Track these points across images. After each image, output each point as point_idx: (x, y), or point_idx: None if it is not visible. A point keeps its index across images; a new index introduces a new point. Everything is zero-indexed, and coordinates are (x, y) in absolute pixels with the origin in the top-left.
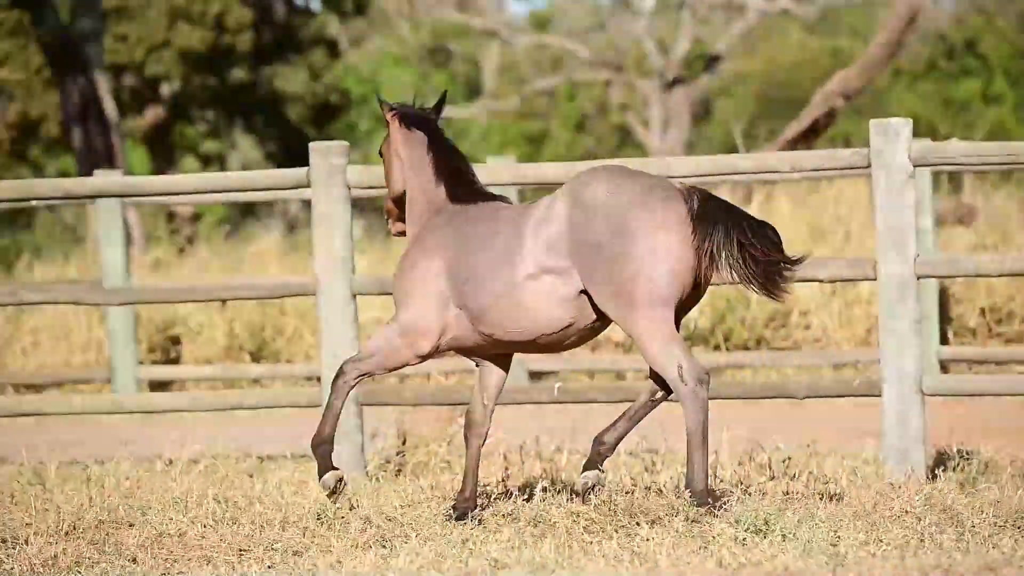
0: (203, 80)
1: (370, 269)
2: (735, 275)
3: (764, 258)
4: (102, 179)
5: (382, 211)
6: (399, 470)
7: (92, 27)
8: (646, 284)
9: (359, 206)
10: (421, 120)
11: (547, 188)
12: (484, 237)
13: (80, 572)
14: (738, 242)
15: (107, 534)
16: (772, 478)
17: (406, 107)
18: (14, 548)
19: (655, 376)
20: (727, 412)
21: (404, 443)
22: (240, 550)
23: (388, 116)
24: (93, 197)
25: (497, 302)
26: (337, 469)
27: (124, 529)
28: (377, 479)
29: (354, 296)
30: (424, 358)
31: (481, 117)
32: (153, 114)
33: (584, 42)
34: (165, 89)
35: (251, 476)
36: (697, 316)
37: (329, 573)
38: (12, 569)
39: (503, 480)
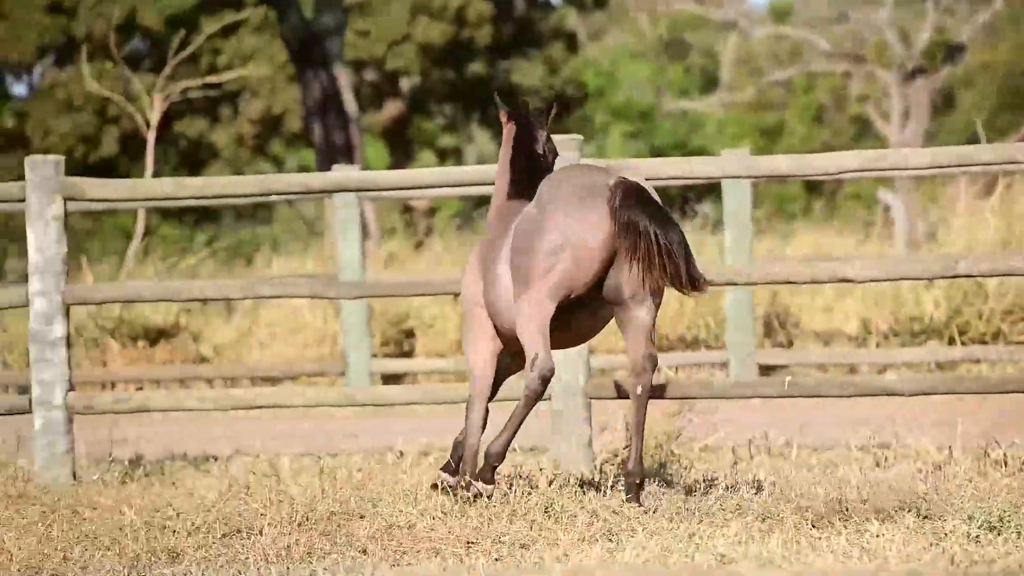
0: (441, 74)
1: None
2: (647, 272)
3: (667, 260)
4: (340, 174)
5: None
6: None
7: (334, 22)
8: (537, 273)
9: None
10: (511, 118)
11: (780, 181)
12: (495, 234)
13: (312, 562)
14: (653, 243)
15: (338, 525)
16: (1009, 474)
17: (517, 110)
18: (249, 538)
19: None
20: (961, 406)
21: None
22: (468, 542)
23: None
24: (331, 192)
25: (489, 295)
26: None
27: (355, 520)
28: (604, 473)
29: None
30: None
31: (717, 110)
32: (391, 108)
33: (824, 33)
34: (404, 83)
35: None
36: (933, 309)
37: (556, 566)
38: (247, 558)
39: (730, 474)
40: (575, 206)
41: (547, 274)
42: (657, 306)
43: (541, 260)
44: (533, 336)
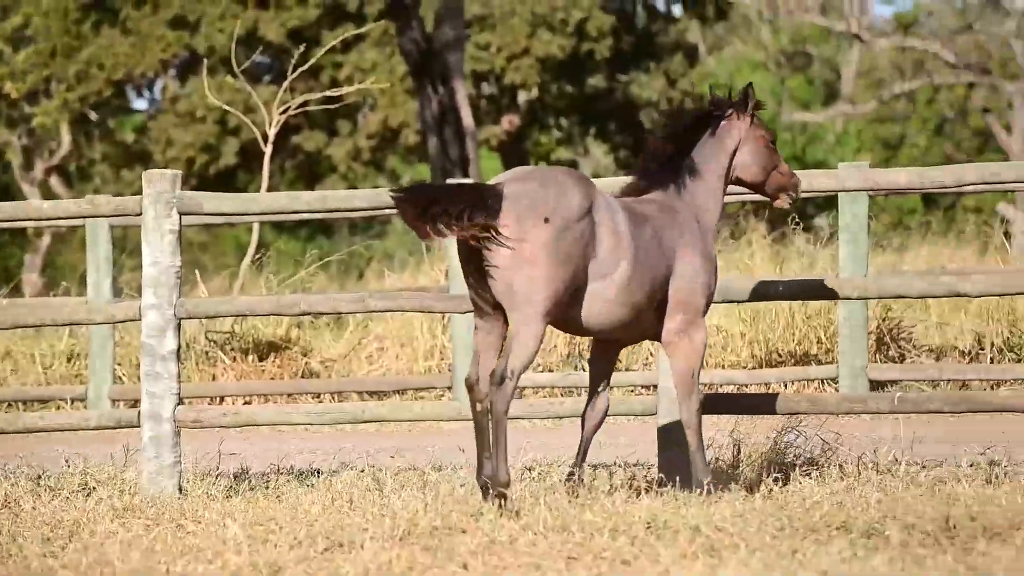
0: (560, 87)
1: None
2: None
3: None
4: None
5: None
6: (732, 479)
7: (455, 36)
8: None
9: None
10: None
11: (897, 194)
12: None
13: None
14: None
15: (440, 540)
16: None
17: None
18: (350, 552)
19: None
20: None
21: (738, 452)
22: (569, 557)
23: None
24: None
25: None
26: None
27: (457, 535)
28: (708, 488)
29: None
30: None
31: (838, 122)
32: (508, 122)
33: (948, 44)
34: (522, 97)
35: (583, 483)
36: None
37: None
38: (348, 572)
39: (837, 490)
40: None
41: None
42: (525, 322)
43: None
44: None
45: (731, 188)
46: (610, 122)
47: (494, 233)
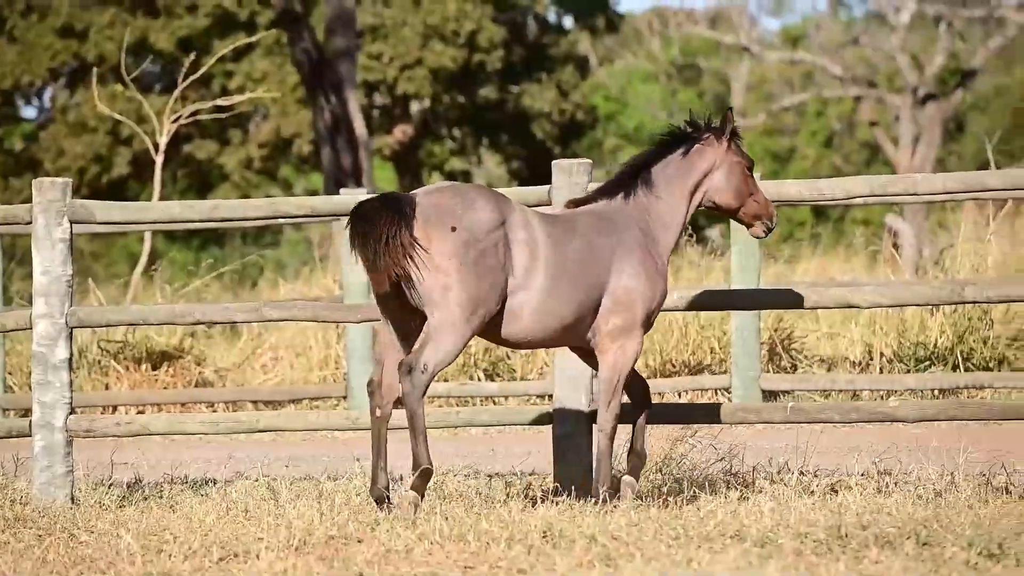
0: (452, 98)
1: None
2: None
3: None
4: (347, 197)
5: None
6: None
7: (347, 45)
8: None
9: None
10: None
11: (788, 205)
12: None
13: None
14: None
15: (336, 549)
16: (1011, 501)
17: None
18: (245, 562)
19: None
20: (964, 433)
21: None
22: (465, 567)
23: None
24: (338, 215)
25: None
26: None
27: (353, 544)
28: (604, 497)
29: None
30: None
31: None
32: (401, 132)
33: (836, 57)
34: (414, 107)
35: (479, 493)
36: (938, 336)
37: None
38: None
39: (730, 500)
40: None
41: None
42: (446, 323)
43: None
44: None
45: None
46: (502, 133)
47: (410, 245)
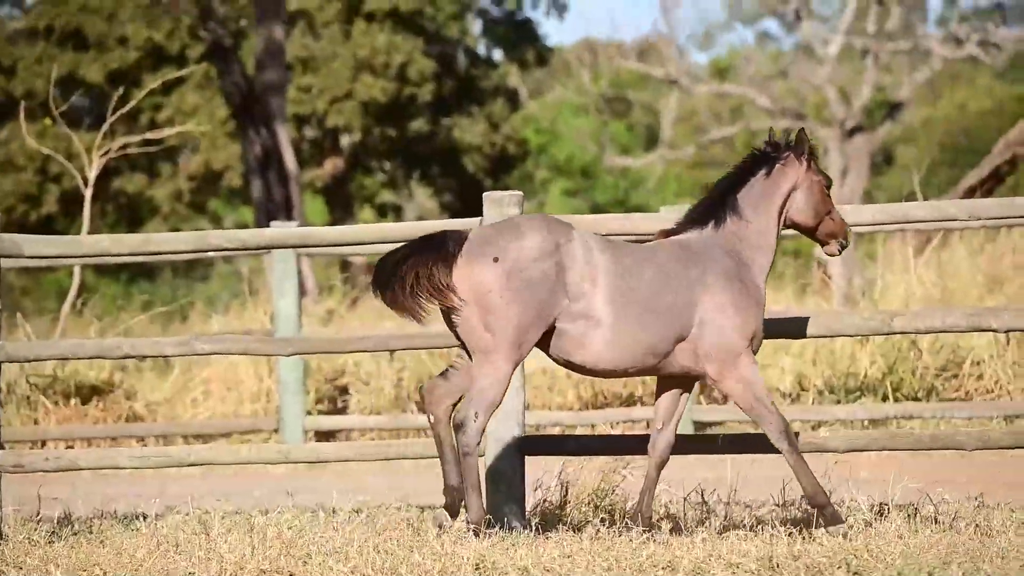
0: (383, 131)
1: None
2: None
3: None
4: (277, 230)
5: None
6: (559, 520)
7: (277, 79)
8: None
9: None
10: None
11: None
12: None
13: None
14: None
15: None
16: (940, 531)
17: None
18: None
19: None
20: (894, 463)
21: (566, 493)
22: None
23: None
24: (268, 248)
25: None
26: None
27: None
28: (538, 529)
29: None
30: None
31: (658, 166)
32: (332, 165)
33: (764, 90)
34: (345, 140)
35: (412, 526)
36: (868, 366)
37: None
38: None
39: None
40: None
41: None
42: (487, 369)
43: None
44: None
45: None
46: (433, 165)
47: (444, 284)
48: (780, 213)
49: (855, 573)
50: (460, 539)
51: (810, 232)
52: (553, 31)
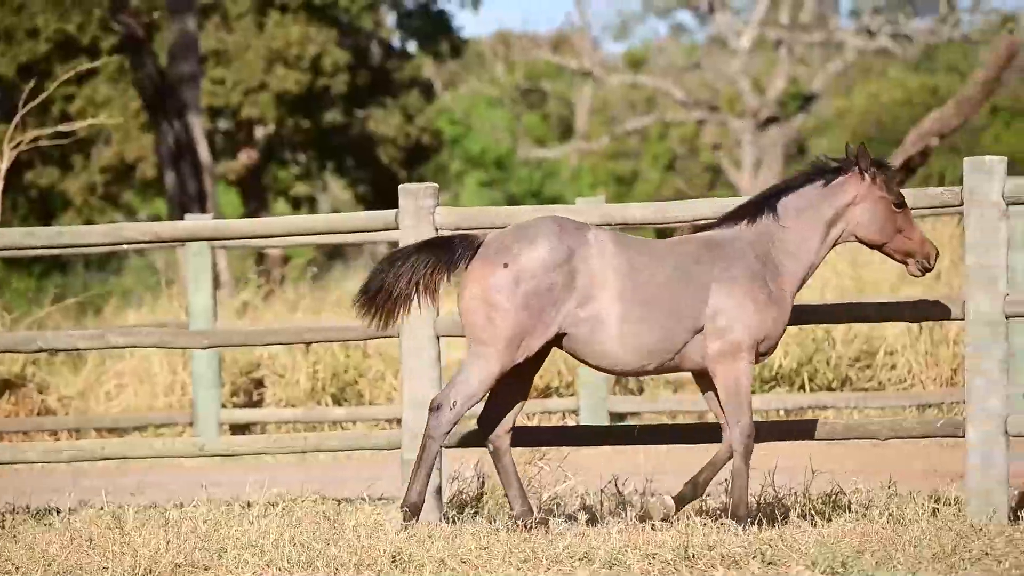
0: (297, 123)
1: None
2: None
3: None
4: (192, 223)
5: None
6: (476, 512)
7: (189, 71)
8: None
9: None
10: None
11: (633, 229)
12: None
13: None
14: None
15: None
16: (853, 520)
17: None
18: None
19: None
20: (808, 453)
21: (483, 485)
22: None
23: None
24: (183, 241)
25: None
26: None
27: (200, 572)
28: (453, 521)
29: (437, 337)
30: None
31: (572, 157)
32: (246, 157)
33: (678, 82)
34: (259, 132)
35: (328, 519)
36: (783, 356)
37: None
38: None
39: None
40: None
41: None
42: (478, 363)
43: None
44: None
45: None
46: (347, 157)
47: (442, 276)
48: (829, 225)
49: (770, 563)
50: (375, 532)
51: (880, 249)
52: (468, 23)
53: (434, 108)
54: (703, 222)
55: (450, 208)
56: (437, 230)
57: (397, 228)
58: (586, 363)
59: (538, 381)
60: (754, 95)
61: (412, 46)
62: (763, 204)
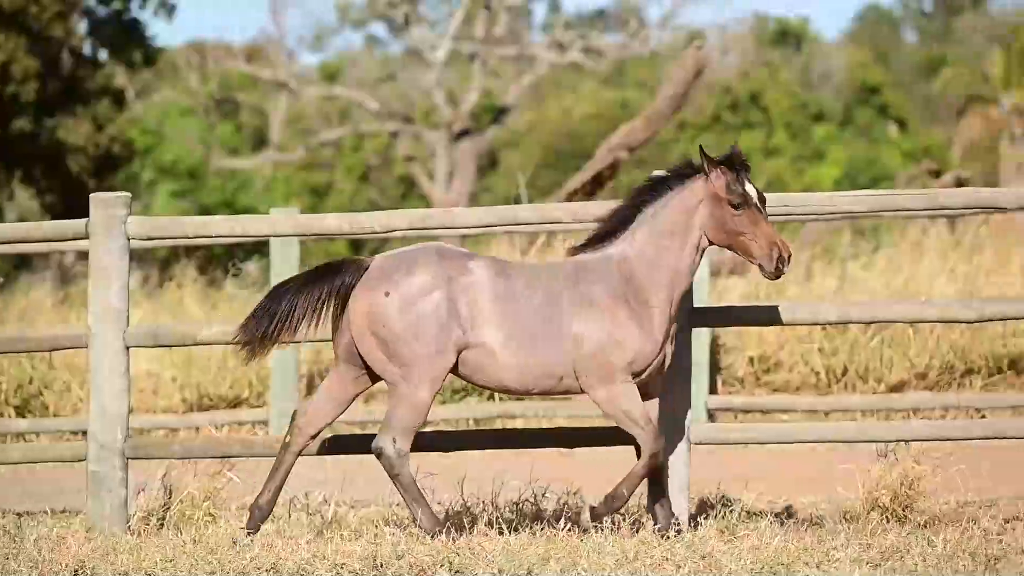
0: None
1: (143, 321)
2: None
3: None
4: None
5: (160, 263)
6: (162, 524)
7: None
8: None
9: (137, 257)
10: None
11: (327, 239)
12: None
13: None
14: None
15: None
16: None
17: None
18: None
19: None
20: (500, 461)
21: (169, 497)
22: None
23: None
24: None
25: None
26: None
27: None
28: (139, 534)
29: (127, 348)
30: None
31: (266, 168)
32: None
33: (373, 93)
34: None
35: (8, 533)
36: None
37: None
38: None
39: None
40: None
41: None
42: (403, 399)
43: None
44: None
45: None
46: (36, 166)
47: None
48: (686, 231)
49: (457, 571)
50: (58, 546)
51: (732, 250)
52: (162, 32)
53: (126, 117)
54: (578, 244)
55: (143, 218)
56: (129, 240)
57: (87, 237)
58: (485, 387)
59: (228, 391)
60: (448, 107)
61: (104, 54)
62: (620, 220)
